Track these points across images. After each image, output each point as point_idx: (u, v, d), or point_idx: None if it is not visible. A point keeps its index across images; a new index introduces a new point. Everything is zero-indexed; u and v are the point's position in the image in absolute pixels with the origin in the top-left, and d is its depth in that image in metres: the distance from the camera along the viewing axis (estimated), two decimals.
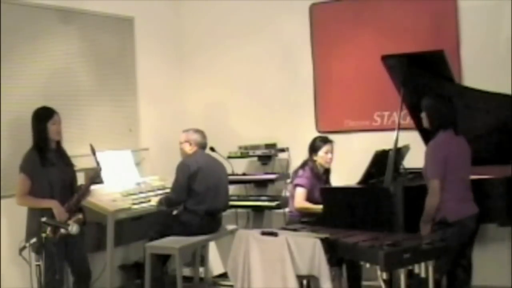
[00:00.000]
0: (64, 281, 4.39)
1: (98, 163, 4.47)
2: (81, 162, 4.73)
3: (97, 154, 4.52)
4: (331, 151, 4.98)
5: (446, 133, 3.97)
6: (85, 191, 4.45)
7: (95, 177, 4.51)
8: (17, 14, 4.85)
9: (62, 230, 3.94)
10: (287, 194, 5.48)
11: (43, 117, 4.32)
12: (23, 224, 4.44)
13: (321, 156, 4.95)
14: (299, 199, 4.87)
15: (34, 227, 4.05)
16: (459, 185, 3.93)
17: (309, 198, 4.88)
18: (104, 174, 4.90)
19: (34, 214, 4.20)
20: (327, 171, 5.07)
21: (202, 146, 5.20)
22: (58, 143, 4.42)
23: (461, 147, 4.00)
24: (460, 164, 3.94)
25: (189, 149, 5.15)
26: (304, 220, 4.68)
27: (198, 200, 5.00)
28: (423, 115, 4.08)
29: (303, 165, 5.02)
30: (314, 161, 4.97)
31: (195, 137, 5.18)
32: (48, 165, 4.29)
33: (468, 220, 3.92)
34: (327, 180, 5.06)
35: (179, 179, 5.01)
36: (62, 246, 4.22)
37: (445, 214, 3.86)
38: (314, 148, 4.99)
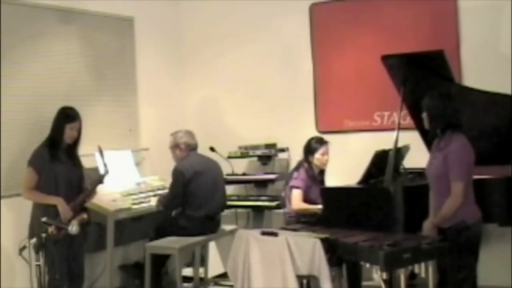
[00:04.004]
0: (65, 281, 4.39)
1: (105, 165, 4.49)
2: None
3: (96, 146, 4.51)
4: (327, 153, 4.96)
5: (461, 135, 3.79)
6: (91, 192, 4.48)
7: (101, 179, 4.52)
8: (17, 14, 4.85)
9: (62, 230, 3.95)
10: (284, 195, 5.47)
11: (64, 118, 4.36)
12: (24, 224, 4.44)
13: (318, 158, 4.92)
14: (296, 200, 4.86)
15: (37, 224, 4.07)
16: (472, 189, 3.82)
17: (305, 199, 4.87)
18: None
19: (39, 211, 4.23)
20: (322, 172, 5.05)
21: (193, 147, 5.14)
22: (72, 143, 4.44)
23: (473, 151, 3.82)
24: (472, 169, 3.81)
25: (180, 154, 5.10)
26: (304, 220, 4.68)
27: (196, 205, 4.98)
28: (424, 115, 3.91)
29: (297, 167, 5.00)
30: (310, 162, 4.95)
31: (185, 140, 5.10)
32: (57, 163, 4.32)
33: (481, 222, 3.83)
34: (322, 181, 5.03)
35: (173, 187, 4.99)
36: (64, 245, 4.23)
37: (463, 217, 3.72)
38: (310, 149, 4.95)
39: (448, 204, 3.71)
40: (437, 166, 3.79)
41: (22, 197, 4.42)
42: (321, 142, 4.96)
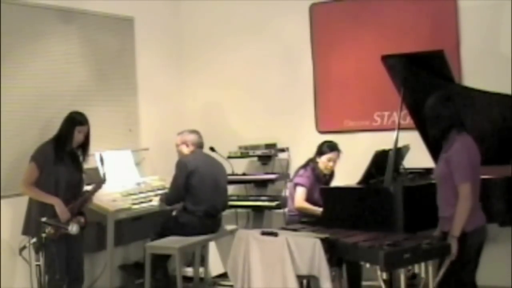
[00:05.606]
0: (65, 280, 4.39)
1: (104, 175, 4.50)
2: None
3: (97, 153, 4.54)
4: (335, 160, 5.00)
5: (465, 135, 3.68)
6: (89, 197, 4.48)
7: (99, 185, 4.53)
8: (17, 14, 4.85)
9: (62, 230, 3.95)
10: (287, 194, 5.48)
11: (74, 122, 4.38)
12: None
13: (323, 161, 4.98)
14: (299, 198, 4.89)
15: (34, 223, 4.07)
16: (476, 193, 3.66)
17: (308, 198, 4.90)
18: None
19: (36, 209, 4.24)
20: (330, 175, 5.07)
21: (199, 145, 5.20)
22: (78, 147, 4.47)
23: (478, 152, 3.70)
24: (477, 170, 3.66)
25: (186, 150, 5.15)
26: (304, 220, 4.69)
27: (197, 200, 5.00)
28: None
29: (305, 165, 5.04)
30: (317, 162, 4.99)
31: (192, 137, 5.17)
32: (60, 164, 4.31)
33: (484, 229, 3.70)
34: (327, 183, 5.06)
35: (176, 177, 5.03)
36: (62, 245, 4.23)
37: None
38: (320, 151, 5.01)
39: (458, 210, 3.56)
40: (440, 168, 3.72)
41: (22, 198, 4.42)
42: (332, 148, 5.00)
